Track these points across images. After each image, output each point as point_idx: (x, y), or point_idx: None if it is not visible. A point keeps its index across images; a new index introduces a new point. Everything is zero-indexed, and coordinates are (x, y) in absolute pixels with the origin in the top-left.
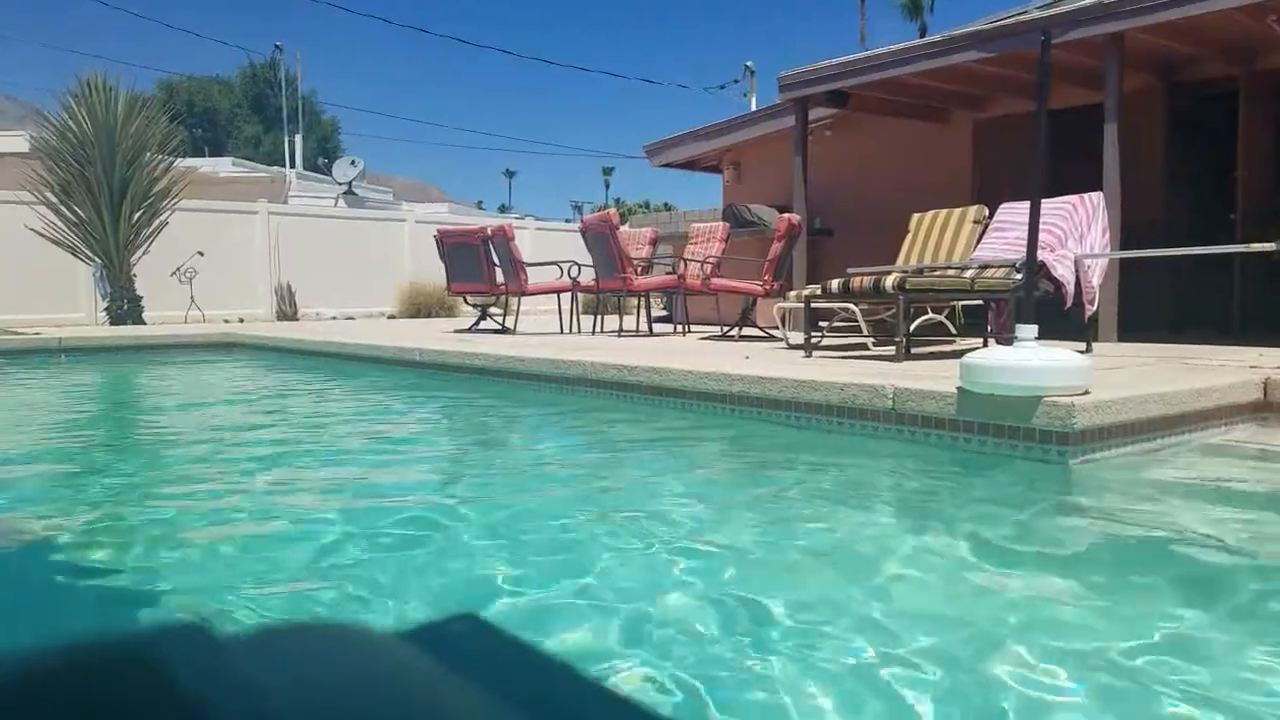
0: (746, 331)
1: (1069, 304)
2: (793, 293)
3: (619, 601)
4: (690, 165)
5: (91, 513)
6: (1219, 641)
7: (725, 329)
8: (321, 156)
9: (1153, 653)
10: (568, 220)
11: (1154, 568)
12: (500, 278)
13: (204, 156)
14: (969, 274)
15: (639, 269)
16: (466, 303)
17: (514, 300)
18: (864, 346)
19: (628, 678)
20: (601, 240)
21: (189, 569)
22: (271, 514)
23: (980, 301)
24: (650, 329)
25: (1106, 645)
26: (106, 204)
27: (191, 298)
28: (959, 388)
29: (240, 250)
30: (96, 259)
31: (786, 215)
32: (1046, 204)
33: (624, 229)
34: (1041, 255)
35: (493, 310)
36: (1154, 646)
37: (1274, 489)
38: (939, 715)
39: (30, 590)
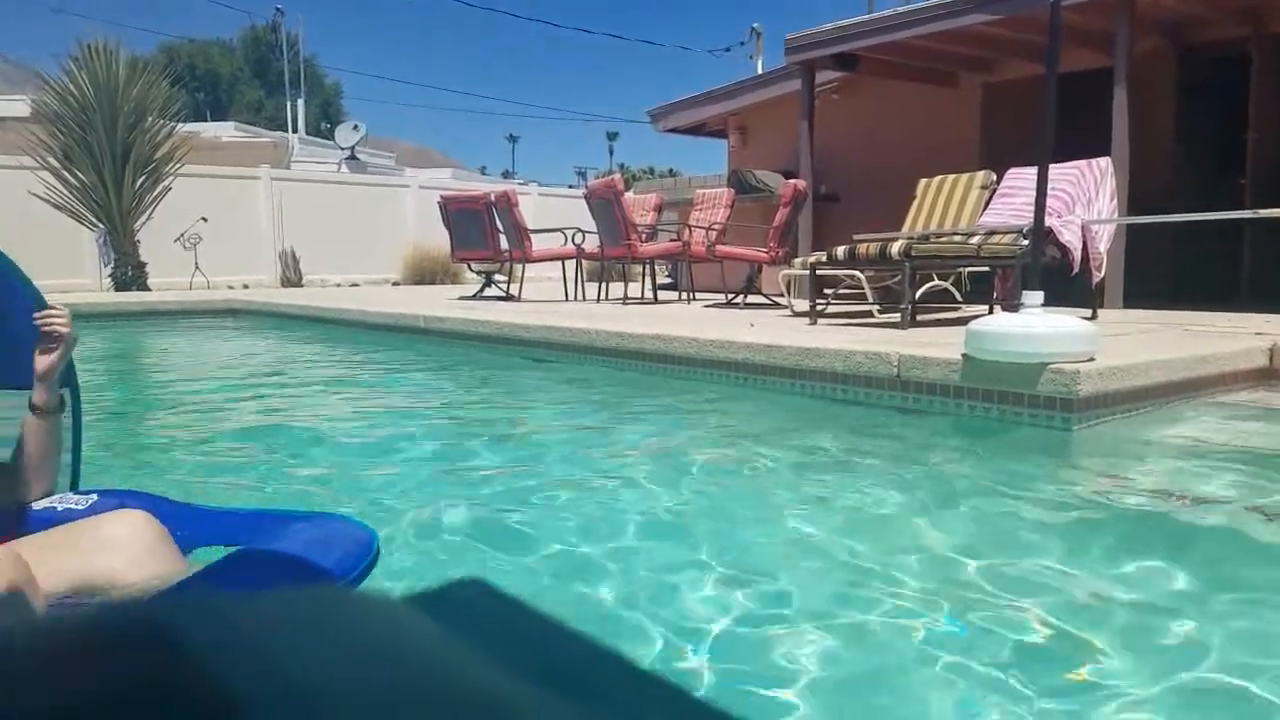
0: (751, 299)
1: (1075, 270)
2: (798, 260)
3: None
4: (695, 130)
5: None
6: (1215, 600)
7: (730, 296)
8: (324, 121)
9: (1144, 611)
10: (571, 186)
11: (1154, 532)
12: (504, 244)
13: (206, 121)
14: (975, 240)
15: (643, 236)
16: (471, 270)
17: (518, 267)
18: (869, 314)
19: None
20: (606, 206)
21: None
22: (281, 480)
23: (986, 268)
24: (655, 296)
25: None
26: (109, 169)
27: (196, 264)
28: (964, 355)
29: (244, 216)
30: (100, 225)
31: (792, 181)
32: (1054, 169)
33: (629, 195)
34: (1048, 221)
35: (497, 277)
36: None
37: (1274, 455)
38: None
39: None
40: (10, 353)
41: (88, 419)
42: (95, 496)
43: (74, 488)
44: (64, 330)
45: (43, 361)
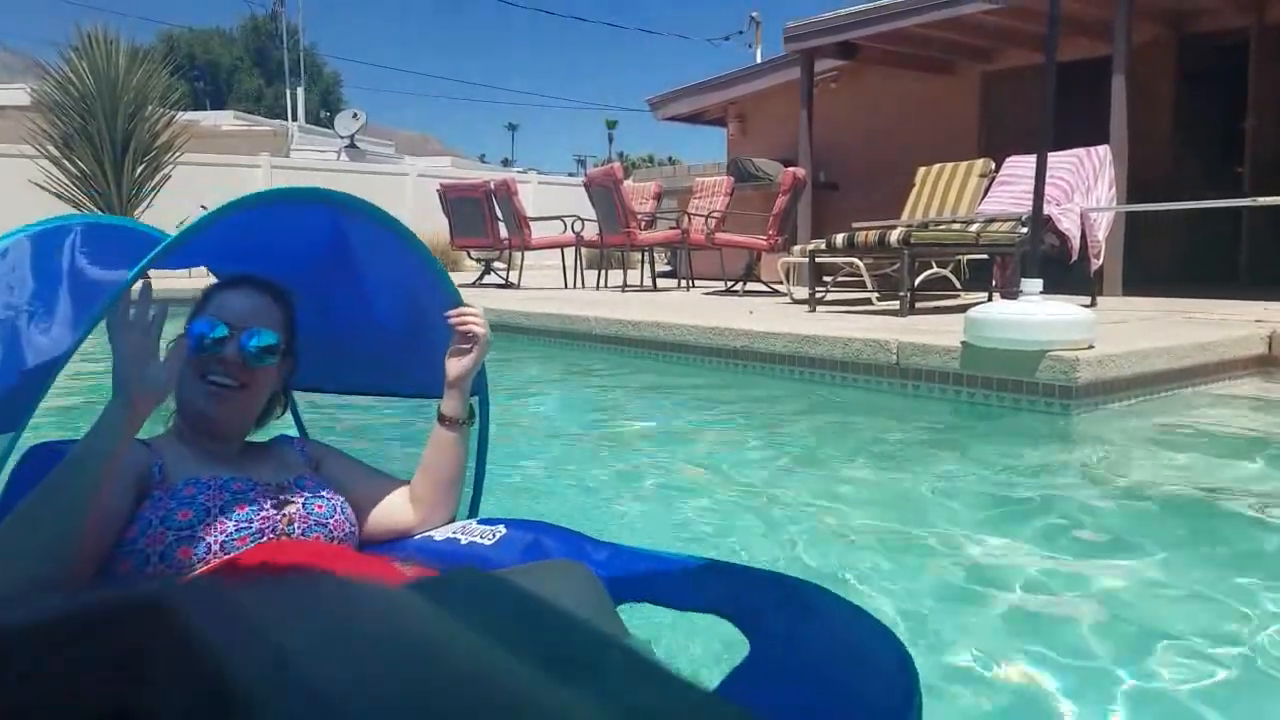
0: (751, 286)
1: (1074, 258)
2: (797, 247)
3: None
4: (695, 118)
5: None
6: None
7: (729, 284)
8: (324, 109)
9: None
10: (571, 174)
11: (1150, 517)
12: (503, 232)
13: (205, 110)
14: (974, 228)
15: (643, 223)
16: (470, 257)
17: (517, 255)
18: (868, 301)
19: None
20: (605, 194)
21: None
22: None
23: (985, 256)
24: (654, 284)
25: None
26: (109, 157)
27: None
28: (963, 342)
29: None
30: (100, 213)
31: (791, 169)
32: (1053, 157)
33: (628, 183)
34: (1047, 209)
35: (496, 264)
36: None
37: (1273, 442)
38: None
39: None
40: (426, 356)
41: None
42: (503, 529)
43: (473, 514)
44: (480, 331)
45: (456, 366)
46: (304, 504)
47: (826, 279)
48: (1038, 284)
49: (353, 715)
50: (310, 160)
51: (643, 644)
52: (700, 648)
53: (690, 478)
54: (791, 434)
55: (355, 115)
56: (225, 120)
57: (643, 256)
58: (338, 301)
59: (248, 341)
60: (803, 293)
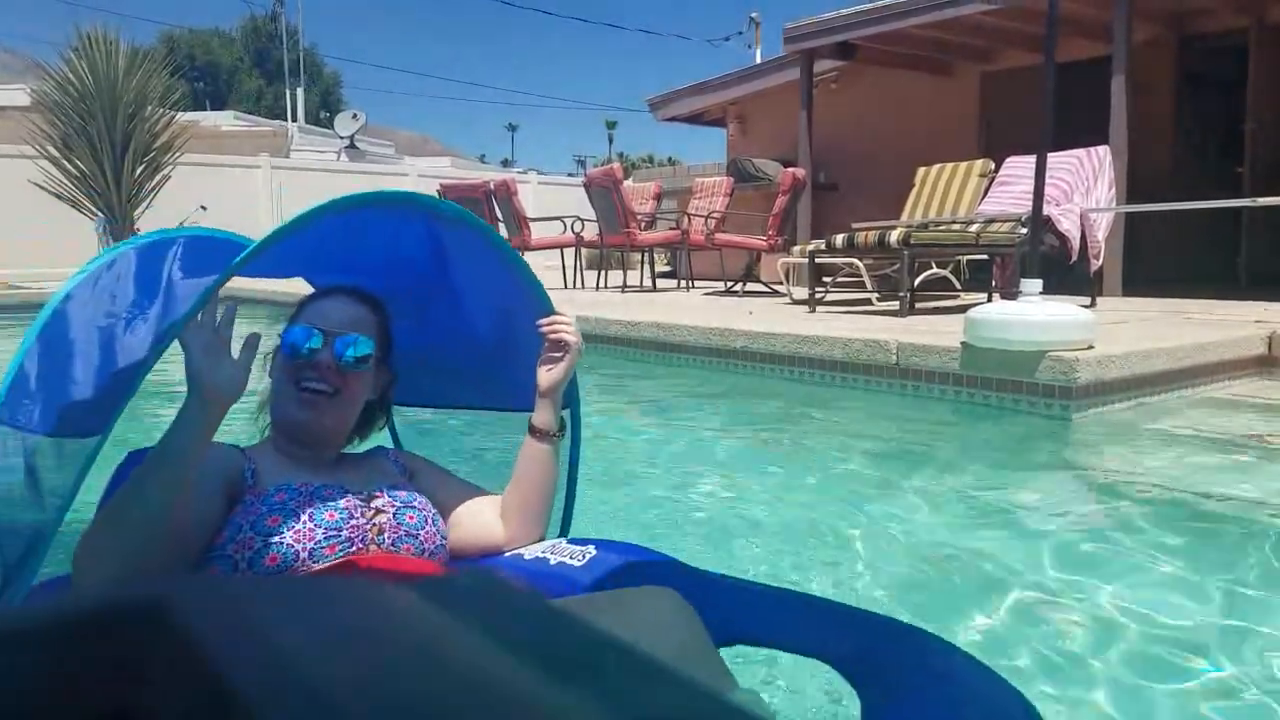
0: (750, 287)
1: (1074, 258)
2: (797, 248)
3: None
4: (695, 119)
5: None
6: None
7: (729, 284)
8: (324, 110)
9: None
10: (571, 175)
11: (1149, 518)
12: (504, 232)
13: (205, 110)
14: (974, 228)
15: (643, 224)
16: None
17: None
18: (868, 302)
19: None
20: (605, 195)
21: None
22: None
23: (985, 256)
24: (654, 284)
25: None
26: (108, 158)
27: None
28: (963, 342)
29: (243, 205)
30: (99, 214)
31: (791, 169)
32: (1053, 158)
33: (628, 183)
34: (1047, 209)
35: None
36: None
37: (1272, 442)
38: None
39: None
40: (518, 367)
41: None
42: (593, 550)
43: (565, 531)
44: (571, 340)
45: (547, 375)
46: (395, 514)
47: (826, 279)
48: (1037, 284)
49: (354, 716)
50: (310, 161)
51: (750, 694)
52: (803, 694)
53: (690, 476)
54: (791, 434)
55: (355, 116)
56: (225, 121)
57: (642, 257)
58: (432, 315)
59: (342, 347)
60: (802, 293)
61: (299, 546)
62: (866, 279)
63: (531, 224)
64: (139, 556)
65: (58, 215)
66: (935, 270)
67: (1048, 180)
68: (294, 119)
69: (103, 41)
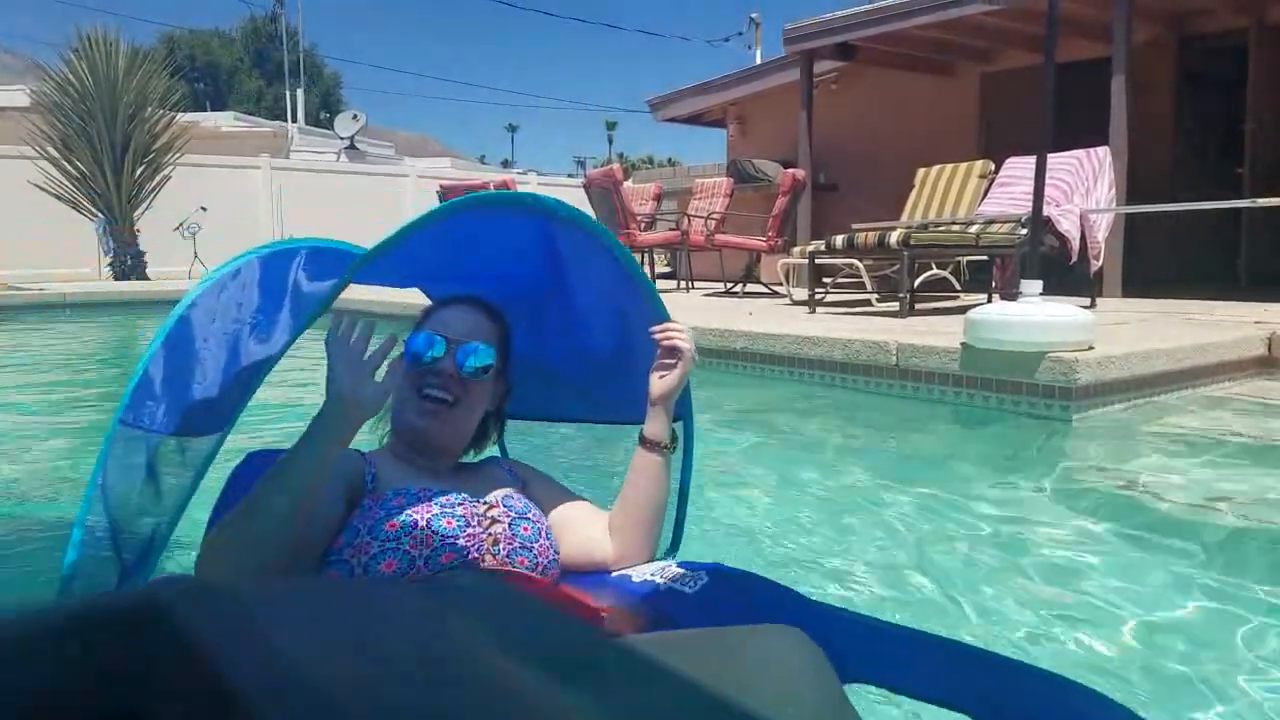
0: (750, 288)
1: (1074, 259)
2: (797, 248)
3: None
4: (694, 119)
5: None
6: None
7: (729, 285)
8: (324, 111)
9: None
10: (571, 175)
11: (1149, 519)
12: None
13: (205, 111)
14: (974, 229)
15: (642, 224)
16: None
17: None
18: (868, 302)
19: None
20: (605, 196)
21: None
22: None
23: (985, 257)
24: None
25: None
26: (108, 159)
27: (195, 253)
28: (963, 343)
29: (243, 205)
30: (99, 214)
31: (791, 170)
32: (1053, 158)
33: (628, 184)
34: (1047, 210)
35: None
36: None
37: (1273, 443)
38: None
39: (41, 544)
40: (631, 377)
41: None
42: (705, 576)
43: (674, 551)
44: (685, 347)
45: (660, 384)
46: (510, 524)
47: (826, 280)
48: (1037, 285)
49: (354, 717)
50: (310, 161)
51: None
52: None
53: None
54: (791, 435)
55: (355, 116)
56: (225, 121)
57: (642, 258)
58: (545, 324)
59: (463, 355)
60: (802, 294)
61: (415, 553)
62: (866, 280)
63: None
64: (262, 561)
65: (58, 216)
66: (935, 271)
67: (1048, 181)
68: (294, 120)
69: (103, 42)
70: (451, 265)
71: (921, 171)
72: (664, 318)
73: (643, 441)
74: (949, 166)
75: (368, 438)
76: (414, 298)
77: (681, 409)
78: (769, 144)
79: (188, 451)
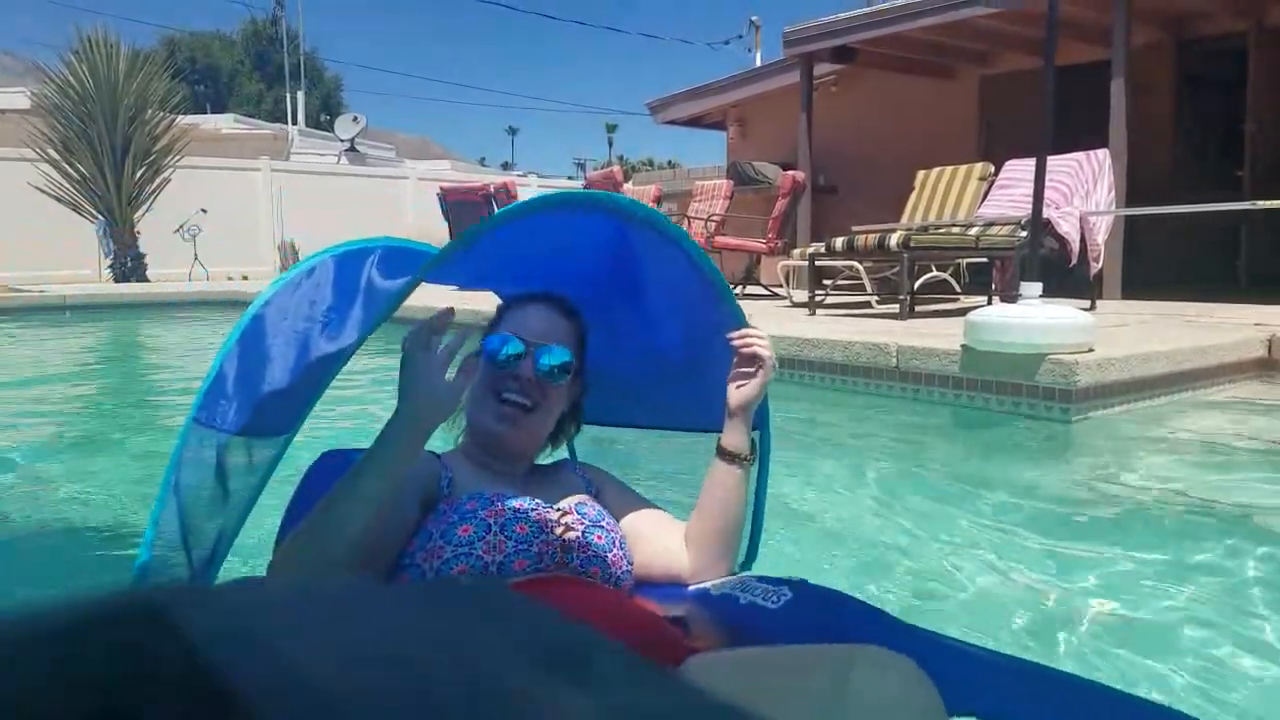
0: (750, 289)
1: (1074, 261)
2: (796, 250)
3: None
4: (694, 122)
5: (101, 469)
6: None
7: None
8: (324, 113)
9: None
10: (571, 178)
11: (1149, 520)
12: None
13: (206, 113)
14: (974, 231)
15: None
16: None
17: None
18: (868, 305)
19: None
20: None
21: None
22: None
23: (985, 259)
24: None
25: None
26: (109, 161)
27: (195, 255)
28: (963, 345)
29: (243, 207)
30: (99, 216)
31: (790, 172)
32: (1052, 161)
33: (628, 186)
34: (1047, 213)
35: None
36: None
37: (1272, 446)
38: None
39: (38, 547)
40: (707, 384)
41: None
42: (788, 591)
43: (749, 563)
44: (765, 355)
45: (738, 393)
46: (584, 532)
47: (826, 282)
48: (1037, 287)
49: (355, 718)
50: (310, 164)
51: None
52: None
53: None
54: (787, 435)
55: (355, 119)
56: (225, 124)
57: None
58: (619, 328)
59: (542, 358)
60: (802, 296)
61: (488, 559)
62: (866, 282)
63: None
64: (335, 565)
65: (58, 218)
66: (935, 273)
67: (1047, 183)
68: (294, 122)
69: (103, 44)
70: (522, 265)
71: (921, 174)
72: (742, 323)
73: (720, 452)
74: (949, 169)
75: (442, 438)
76: (475, 301)
77: (758, 419)
78: (769, 146)
79: (254, 454)
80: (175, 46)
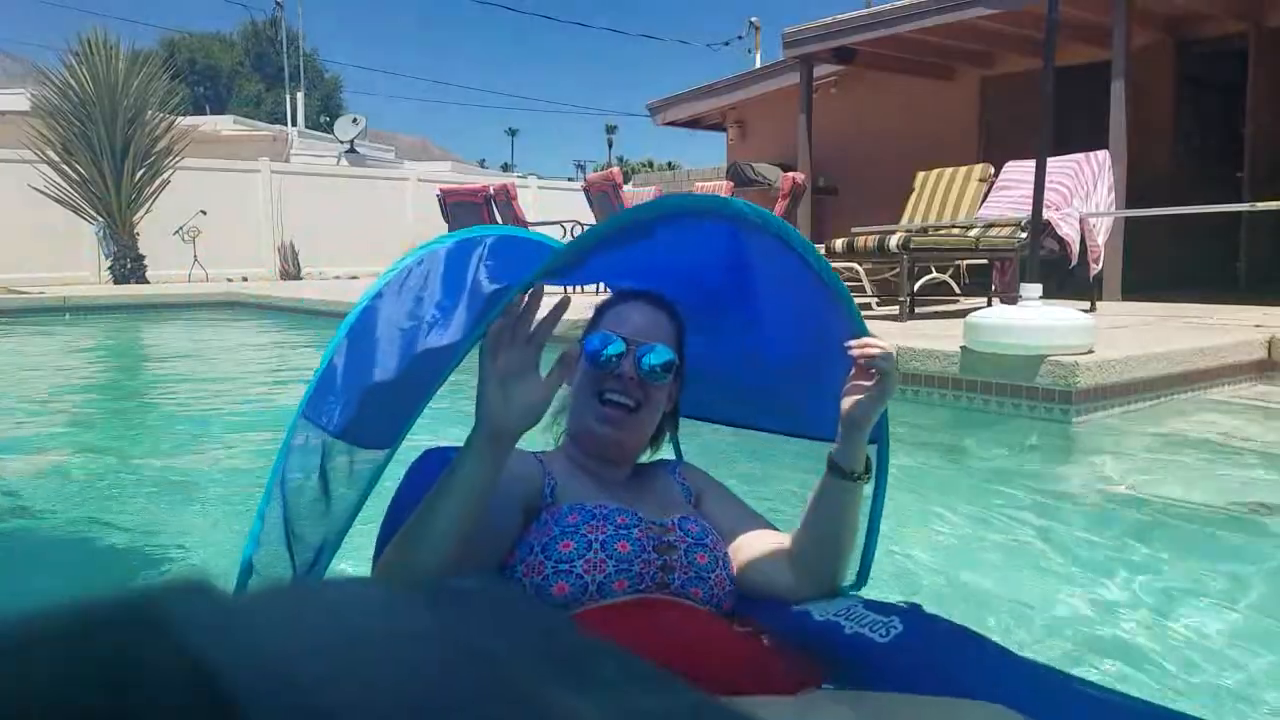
0: None
1: (1074, 262)
2: None
3: None
4: (694, 123)
5: (97, 472)
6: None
7: None
8: (324, 115)
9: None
10: (570, 179)
11: (1149, 522)
12: None
13: (205, 114)
14: (974, 233)
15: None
16: None
17: None
18: (868, 306)
19: None
20: (605, 199)
21: (198, 529)
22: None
23: (985, 260)
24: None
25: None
26: (109, 162)
27: (195, 257)
28: (963, 347)
29: (243, 209)
30: (99, 218)
31: (790, 174)
32: (1052, 162)
33: (627, 188)
34: (1047, 214)
35: None
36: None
37: (1274, 446)
38: None
39: (35, 549)
40: (818, 391)
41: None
42: (899, 623)
43: (856, 587)
44: (886, 366)
45: (855, 406)
46: (686, 551)
47: None
48: (1037, 289)
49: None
50: (310, 165)
51: None
52: None
53: None
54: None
55: (355, 120)
56: (225, 125)
57: None
58: (726, 326)
59: (645, 357)
60: None
61: (588, 578)
62: (866, 283)
63: (531, 228)
64: (433, 576)
65: (58, 219)
66: (935, 275)
67: (1047, 185)
68: (294, 123)
69: (103, 46)
70: (631, 263)
71: (921, 175)
72: (861, 331)
73: (832, 467)
74: (948, 170)
75: (542, 437)
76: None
77: (876, 433)
78: (769, 147)
79: (355, 463)
80: (175, 47)
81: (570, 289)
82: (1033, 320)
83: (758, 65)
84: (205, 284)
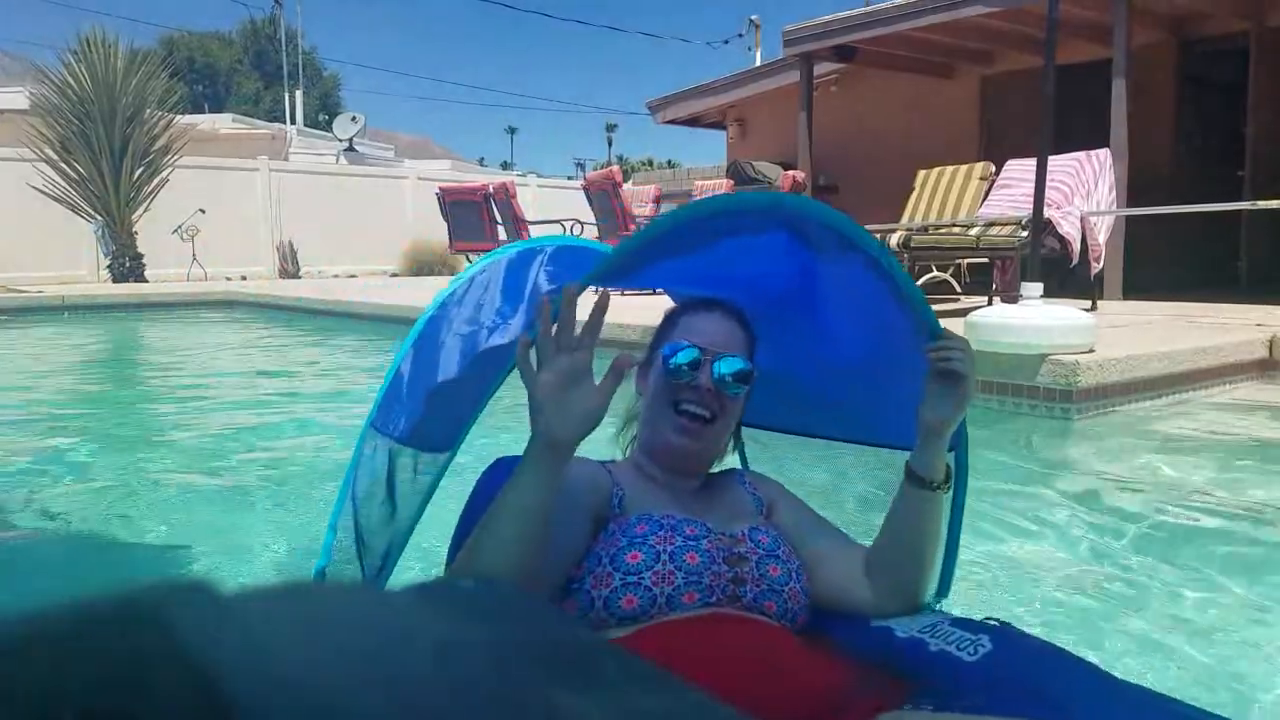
0: None
1: (1075, 261)
2: None
3: None
4: (694, 122)
5: (97, 471)
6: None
7: None
8: (323, 113)
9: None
10: (570, 178)
11: (1150, 521)
12: (503, 235)
13: (204, 113)
14: (974, 231)
15: (642, 227)
16: (469, 261)
17: None
18: None
19: None
20: (605, 198)
21: (196, 529)
22: (279, 474)
23: (985, 259)
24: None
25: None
26: (107, 161)
27: (193, 255)
28: None
29: (241, 208)
30: (97, 216)
31: (790, 172)
32: (1053, 161)
33: (627, 186)
34: (1048, 212)
35: None
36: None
37: (1274, 446)
38: None
39: (34, 549)
40: (894, 397)
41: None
42: (988, 642)
43: (939, 600)
44: (963, 370)
45: (933, 412)
46: (757, 563)
47: None
48: (1038, 288)
49: None
50: (309, 164)
51: None
52: None
53: None
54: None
55: (354, 118)
56: (223, 123)
57: None
58: (792, 331)
59: (720, 367)
60: None
61: (657, 590)
62: None
63: (531, 227)
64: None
65: (56, 218)
66: (935, 273)
67: (1048, 183)
68: (292, 122)
69: (101, 44)
70: (693, 267)
71: (922, 173)
72: (937, 333)
73: (910, 475)
74: (949, 168)
75: (611, 446)
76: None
77: (955, 440)
78: (769, 146)
79: (419, 467)
80: (173, 46)
81: (616, 291)
82: (1033, 319)
83: (758, 63)
84: (204, 283)
